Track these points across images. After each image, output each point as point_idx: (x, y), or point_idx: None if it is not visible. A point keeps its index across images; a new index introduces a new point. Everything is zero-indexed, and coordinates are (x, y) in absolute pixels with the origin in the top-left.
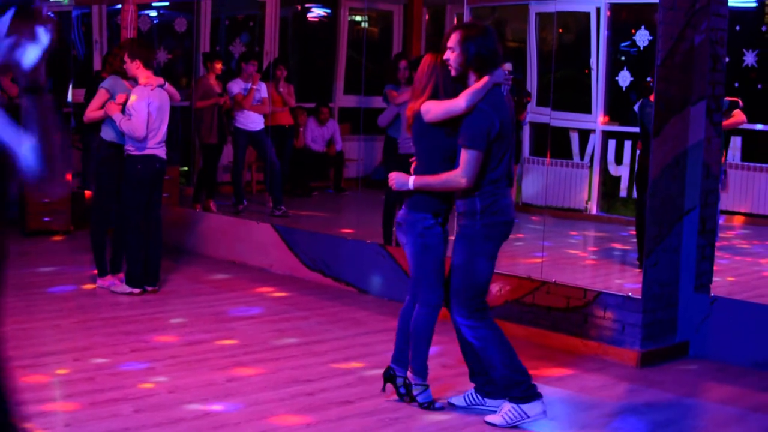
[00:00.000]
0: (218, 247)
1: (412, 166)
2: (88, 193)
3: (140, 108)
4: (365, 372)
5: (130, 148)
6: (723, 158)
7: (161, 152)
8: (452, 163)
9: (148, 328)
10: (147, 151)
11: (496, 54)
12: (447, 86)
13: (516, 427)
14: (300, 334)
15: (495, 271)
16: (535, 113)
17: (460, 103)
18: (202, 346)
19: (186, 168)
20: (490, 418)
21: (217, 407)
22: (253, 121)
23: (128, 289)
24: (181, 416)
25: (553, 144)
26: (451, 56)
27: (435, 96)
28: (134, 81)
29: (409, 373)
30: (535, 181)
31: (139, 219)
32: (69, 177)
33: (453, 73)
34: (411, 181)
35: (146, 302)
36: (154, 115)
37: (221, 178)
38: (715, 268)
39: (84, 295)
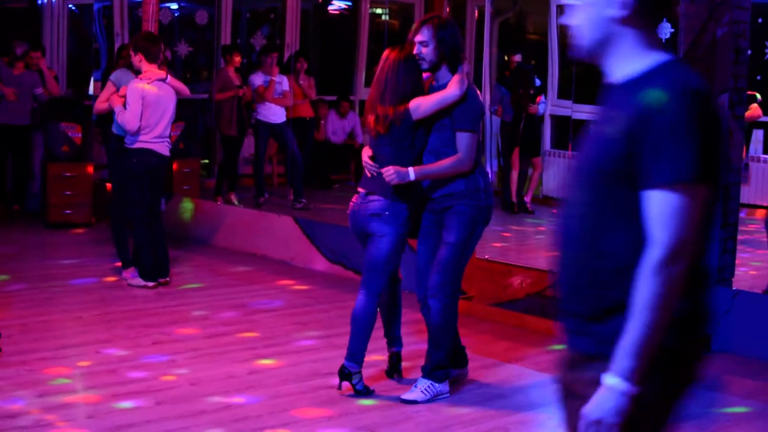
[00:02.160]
0: (239, 239)
1: (388, 169)
2: (109, 185)
3: (133, 101)
4: (386, 365)
5: (126, 142)
6: (744, 152)
7: (160, 147)
8: (428, 158)
9: (170, 321)
10: (141, 145)
11: (463, 45)
12: (418, 82)
13: (432, 401)
14: (321, 327)
15: (516, 264)
16: (557, 106)
17: (453, 91)
18: (223, 339)
19: (207, 160)
20: (408, 395)
21: (238, 400)
22: (275, 113)
23: (142, 282)
24: (202, 408)
25: (575, 137)
26: (423, 50)
27: (417, 93)
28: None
29: (347, 362)
30: (556, 174)
31: (141, 213)
32: (90, 169)
33: (426, 66)
34: (411, 172)
35: (167, 295)
36: (151, 109)
37: (242, 171)
38: (736, 261)
39: (106, 287)
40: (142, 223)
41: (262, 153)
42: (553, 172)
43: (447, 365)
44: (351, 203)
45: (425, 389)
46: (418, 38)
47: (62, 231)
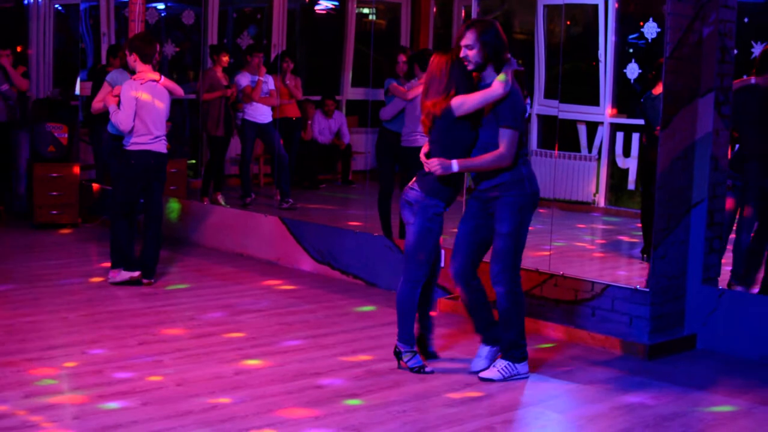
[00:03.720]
0: (226, 239)
1: (432, 161)
2: (96, 186)
3: (127, 101)
4: (373, 365)
5: (124, 143)
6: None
7: (157, 147)
8: (468, 154)
9: (156, 321)
10: (138, 147)
11: (506, 44)
12: (465, 82)
13: (509, 380)
14: (308, 327)
15: None
16: (543, 105)
17: (497, 89)
18: (210, 339)
19: (194, 161)
20: (485, 374)
21: (225, 400)
22: (262, 113)
23: (128, 275)
24: (189, 409)
25: (561, 136)
26: (469, 53)
27: (466, 91)
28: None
29: (398, 343)
30: (542, 174)
31: (124, 211)
32: (77, 170)
33: (472, 67)
34: (455, 164)
35: (154, 295)
36: (145, 110)
37: (229, 171)
38: (723, 260)
39: (92, 288)
40: (122, 220)
41: (248, 153)
42: (540, 172)
43: (523, 345)
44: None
45: (502, 368)
46: (464, 42)
47: (48, 231)
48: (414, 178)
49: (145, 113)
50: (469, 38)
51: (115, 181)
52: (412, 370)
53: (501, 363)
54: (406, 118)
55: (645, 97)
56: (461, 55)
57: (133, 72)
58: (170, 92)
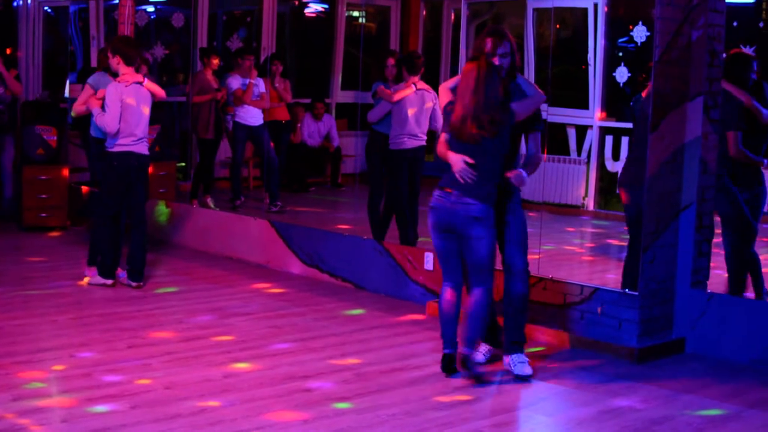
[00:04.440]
0: (215, 242)
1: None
2: (85, 188)
3: (112, 103)
4: (362, 368)
5: (107, 145)
6: None
7: (140, 148)
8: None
9: (145, 324)
10: (121, 148)
11: None
12: (504, 89)
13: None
14: (297, 330)
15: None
16: None
17: (542, 94)
18: (198, 342)
19: (183, 164)
20: (522, 371)
21: (213, 403)
22: (252, 116)
23: (101, 281)
24: (177, 412)
25: (551, 140)
26: (505, 61)
27: (509, 100)
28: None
29: (465, 348)
30: (532, 177)
31: (109, 213)
32: (66, 172)
33: (504, 75)
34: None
35: (142, 298)
36: (129, 112)
37: (218, 174)
38: (711, 264)
39: (80, 291)
40: (106, 223)
41: (239, 156)
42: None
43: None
44: (437, 199)
45: (528, 363)
46: (501, 50)
47: (37, 234)
48: (449, 190)
49: (129, 115)
50: (506, 47)
51: (101, 184)
52: (478, 377)
53: (519, 357)
54: (392, 121)
55: (634, 100)
56: (498, 63)
57: (115, 74)
58: (153, 95)
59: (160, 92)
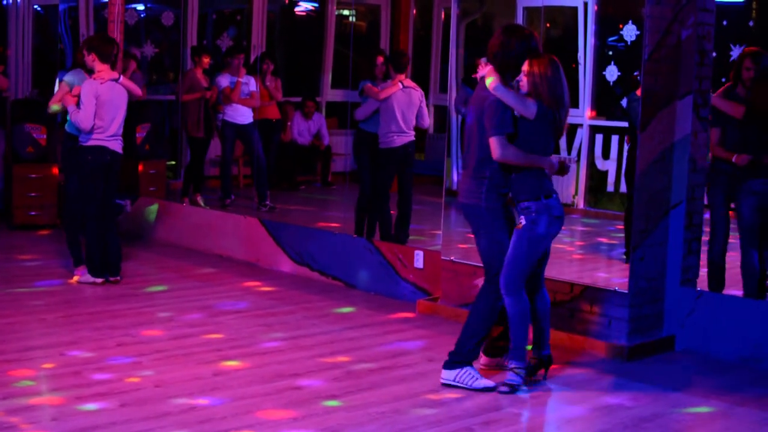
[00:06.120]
0: (205, 241)
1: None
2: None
3: (87, 100)
4: (352, 366)
5: (81, 140)
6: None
7: (114, 145)
8: None
9: (135, 322)
10: (96, 143)
11: None
12: None
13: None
14: (287, 329)
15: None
16: None
17: None
18: (188, 341)
19: (173, 162)
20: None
21: (203, 401)
22: (241, 114)
23: (91, 279)
24: (167, 410)
25: None
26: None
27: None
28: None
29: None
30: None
31: (94, 209)
32: (56, 170)
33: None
34: None
35: (132, 296)
36: (104, 109)
37: (208, 172)
38: (701, 262)
39: (70, 289)
40: (95, 220)
41: (229, 154)
42: None
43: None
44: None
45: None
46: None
47: (27, 232)
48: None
49: (104, 112)
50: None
51: (71, 182)
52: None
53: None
54: (381, 119)
55: (629, 98)
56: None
57: (90, 71)
58: (129, 92)
59: (136, 89)
